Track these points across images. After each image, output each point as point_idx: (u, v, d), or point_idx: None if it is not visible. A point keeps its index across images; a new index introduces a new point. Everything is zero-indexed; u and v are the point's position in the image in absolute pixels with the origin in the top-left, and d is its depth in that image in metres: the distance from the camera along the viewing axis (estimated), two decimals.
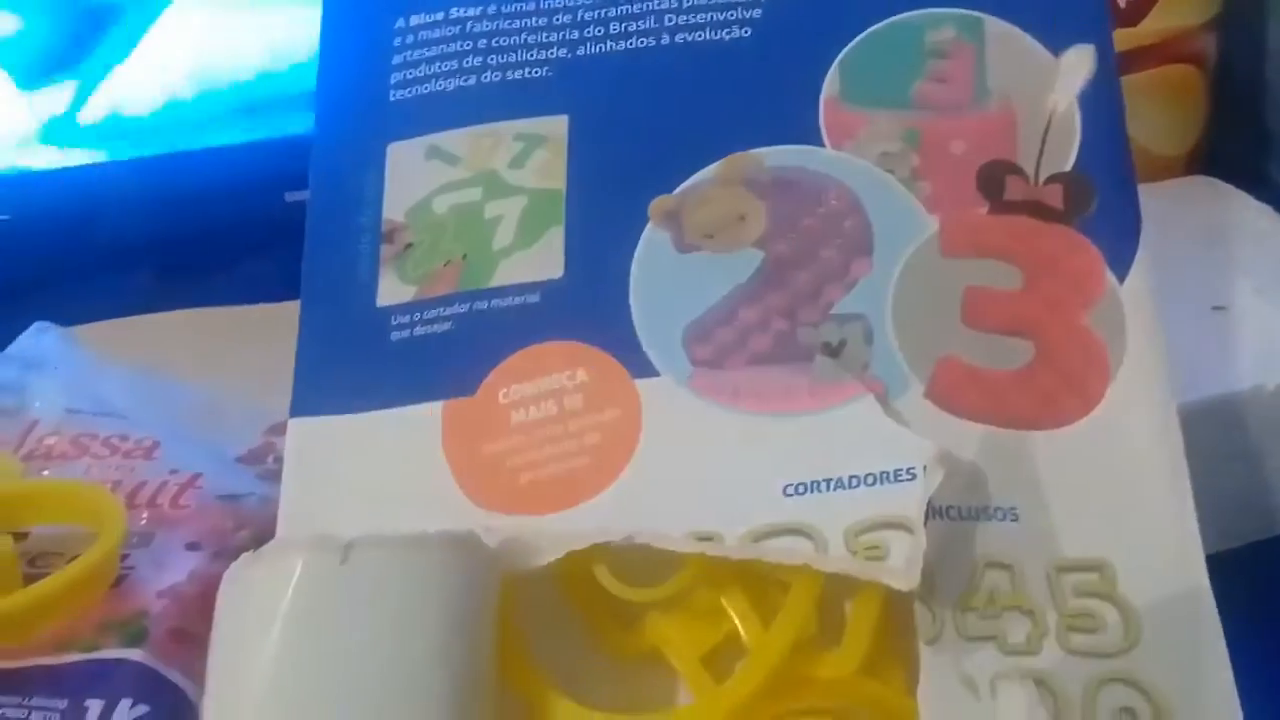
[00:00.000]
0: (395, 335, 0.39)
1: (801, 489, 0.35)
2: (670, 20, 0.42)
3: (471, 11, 0.43)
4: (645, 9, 0.42)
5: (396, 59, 0.43)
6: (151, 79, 0.61)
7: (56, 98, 0.61)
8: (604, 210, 0.40)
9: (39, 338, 0.55)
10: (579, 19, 0.43)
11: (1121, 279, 0.37)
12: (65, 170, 0.60)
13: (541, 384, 0.38)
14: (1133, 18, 0.53)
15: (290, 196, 0.59)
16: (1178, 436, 0.35)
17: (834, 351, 0.37)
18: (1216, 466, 0.38)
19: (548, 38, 0.43)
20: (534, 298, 0.39)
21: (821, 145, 0.40)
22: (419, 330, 0.39)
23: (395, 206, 0.41)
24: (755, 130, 0.40)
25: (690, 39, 0.42)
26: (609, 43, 0.42)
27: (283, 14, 0.60)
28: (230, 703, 0.31)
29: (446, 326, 0.39)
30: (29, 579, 0.40)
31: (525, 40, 0.43)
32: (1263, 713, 0.33)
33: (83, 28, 0.60)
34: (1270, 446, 0.43)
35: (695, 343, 0.38)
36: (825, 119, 0.40)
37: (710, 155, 0.40)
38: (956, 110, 0.40)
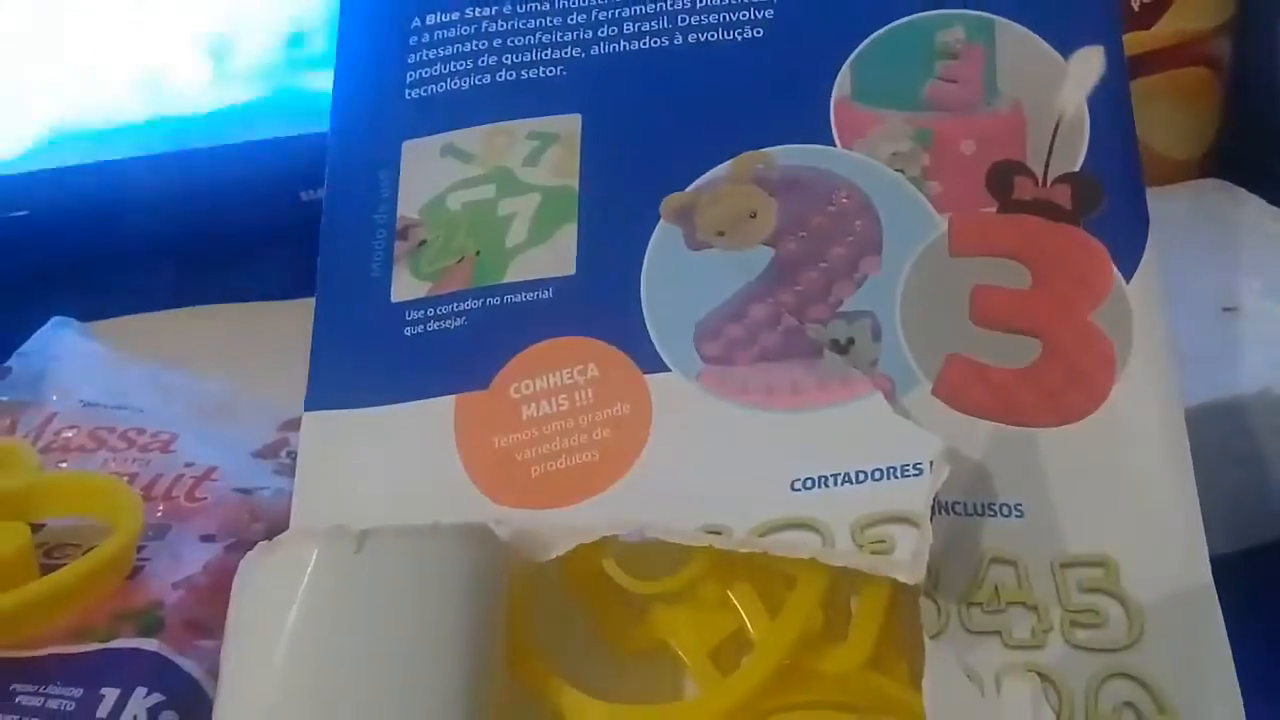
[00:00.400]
0: (409, 331, 0.40)
1: (809, 484, 0.35)
2: (683, 20, 0.42)
3: (486, 11, 0.44)
4: (658, 9, 0.43)
5: (412, 58, 0.44)
6: None
7: None
8: (616, 208, 0.40)
9: (57, 332, 0.55)
10: (593, 19, 0.43)
11: (1129, 278, 0.38)
12: (83, 167, 0.61)
13: (553, 379, 0.38)
14: (1147, 21, 0.54)
15: (305, 195, 0.60)
16: (1183, 435, 0.36)
17: (842, 349, 0.37)
18: (1221, 469, 0.38)
19: (562, 37, 0.43)
20: (546, 294, 0.39)
21: (832, 144, 0.40)
22: (432, 326, 0.40)
23: (410, 203, 0.42)
24: (767, 129, 0.41)
25: (703, 39, 0.42)
26: (622, 42, 0.43)
27: None
28: (245, 689, 0.31)
29: (460, 322, 0.40)
30: (45, 570, 0.41)
31: (539, 40, 0.43)
32: (1265, 715, 0.33)
33: None
34: (1276, 450, 0.43)
35: (705, 339, 0.38)
36: (836, 118, 0.41)
37: (722, 154, 0.41)
38: (967, 111, 0.40)
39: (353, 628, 0.32)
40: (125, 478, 0.45)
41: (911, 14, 0.41)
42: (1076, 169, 0.39)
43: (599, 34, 0.43)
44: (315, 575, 0.32)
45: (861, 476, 0.35)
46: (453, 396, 0.39)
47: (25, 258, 0.61)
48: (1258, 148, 0.57)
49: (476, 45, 0.43)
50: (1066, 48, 0.41)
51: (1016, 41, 0.41)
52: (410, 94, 0.43)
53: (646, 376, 0.38)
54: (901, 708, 0.34)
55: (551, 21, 0.43)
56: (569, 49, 0.43)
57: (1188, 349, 0.37)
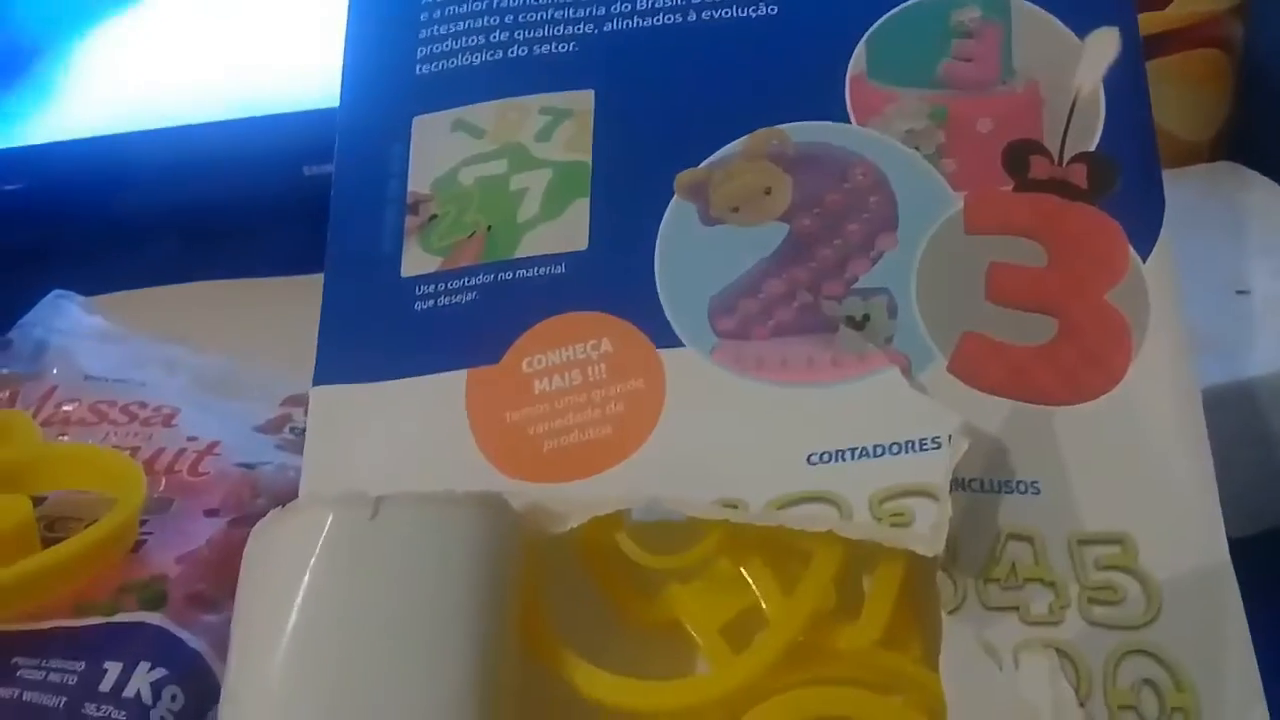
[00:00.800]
0: (419, 305, 0.39)
1: (826, 457, 0.35)
2: None
3: None
4: None
5: (423, 33, 0.43)
6: None
7: None
8: (630, 183, 0.40)
9: (58, 305, 0.55)
10: None
11: (1145, 257, 0.38)
12: (86, 141, 0.60)
13: (566, 353, 0.38)
14: (1160, 2, 0.53)
15: (309, 170, 0.59)
16: (1199, 412, 0.36)
17: (858, 325, 0.37)
18: (1236, 452, 0.38)
19: (574, 13, 0.43)
20: (559, 269, 0.39)
21: (847, 122, 0.40)
22: (443, 301, 0.39)
23: (420, 179, 0.42)
24: (781, 106, 0.40)
25: (717, 15, 0.42)
26: (636, 19, 0.42)
27: None
28: (256, 653, 0.31)
29: (471, 297, 0.39)
30: (46, 543, 0.41)
31: (552, 15, 0.43)
32: None
33: None
34: None
35: (720, 314, 0.38)
36: (851, 96, 0.40)
37: (736, 130, 0.40)
38: (982, 89, 0.40)
39: (367, 593, 0.31)
40: (127, 451, 0.45)
41: None
42: (1092, 148, 0.39)
43: (612, 9, 0.43)
44: (330, 540, 0.32)
45: (879, 450, 0.35)
46: (464, 371, 0.38)
47: (27, 232, 0.61)
48: (1270, 130, 0.56)
49: (488, 21, 0.43)
50: (1082, 27, 0.40)
51: (1032, 21, 0.41)
52: (421, 69, 0.43)
53: (660, 351, 0.38)
54: (914, 685, 0.34)
55: None
56: (581, 25, 0.43)
57: (1200, 332, 0.37)
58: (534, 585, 0.35)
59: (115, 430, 0.47)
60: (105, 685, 0.37)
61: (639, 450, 0.36)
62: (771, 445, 0.36)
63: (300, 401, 0.47)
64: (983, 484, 0.35)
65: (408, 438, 0.38)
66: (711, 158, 0.40)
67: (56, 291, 0.56)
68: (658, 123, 0.41)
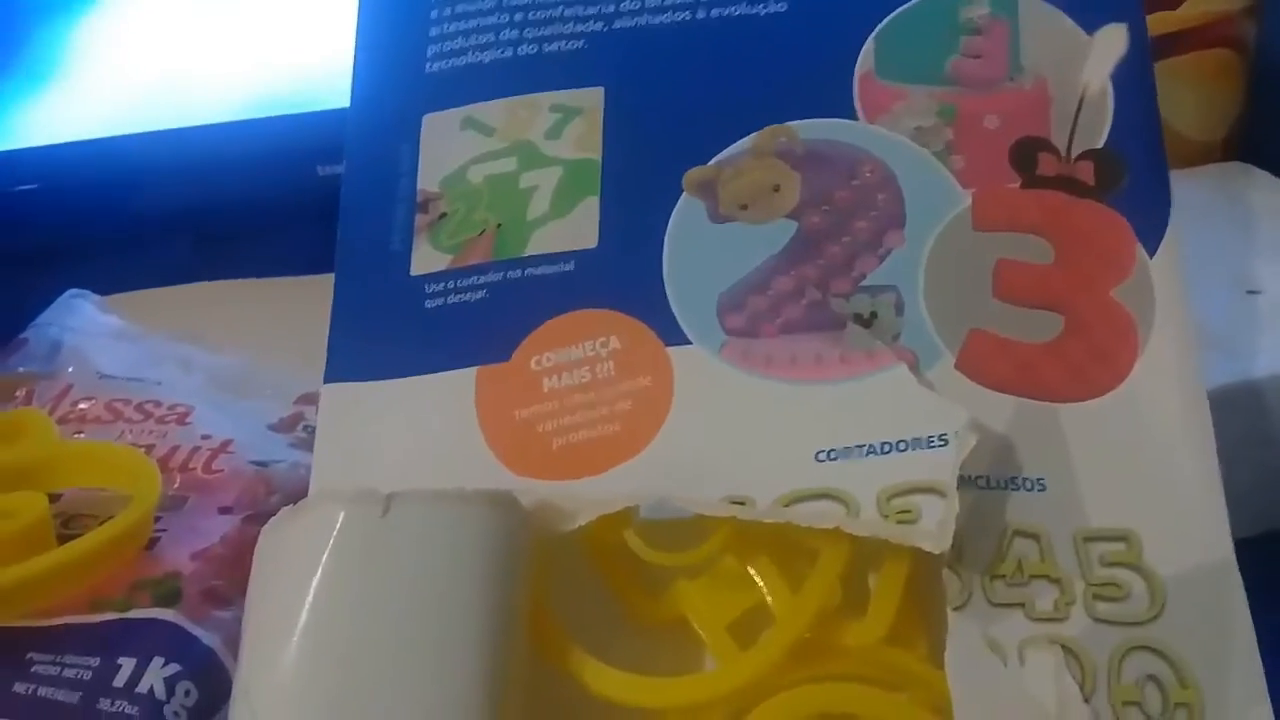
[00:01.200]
0: (429, 303, 0.40)
1: (833, 454, 0.35)
2: None
3: None
4: None
5: (433, 31, 0.44)
6: None
7: None
8: (639, 181, 0.40)
9: (73, 305, 0.55)
10: None
11: (1151, 254, 0.38)
12: (100, 141, 0.61)
13: (574, 351, 0.38)
14: (1172, 1, 0.53)
15: (323, 170, 0.60)
16: (1205, 410, 0.36)
17: (865, 322, 0.37)
18: (1242, 452, 0.38)
19: (584, 11, 0.43)
20: (568, 267, 0.39)
21: (856, 119, 0.40)
22: (453, 299, 0.40)
23: (430, 177, 0.42)
24: (790, 103, 0.41)
25: (726, 13, 0.42)
26: (645, 16, 0.43)
27: None
28: (268, 649, 0.31)
29: (481, 295, 0.40)
30: (62, 540, 0.41)
31: (561, 13, 0.43)
32: None
33: None
34: None
35: (728, 312, 0.38)
36: (860, 93, 0.40)
37: (745, 128, 0.40)
38: (990, 86, 0.40)
39: (378, 590, 0.32)
40: (142, 449, 0.45)
41: None
42: (1100, 145, 0.39)
43: (621, 7, 0.43)
44: (341, 537, 0.32)
45: (886, 447, 0.35)
46: (474, 368, 0.38)
47: (42, 232, 0.61)
48: None
49: (498, 19, 0.43)
50: (1090, 24, 0.41)
51: (1040, 17, 0.41)
52: (431, 67, 0.43)
53: (669, 349, 0.38)
54: (920, 683, 0.34)
55: None
56: (591, 22, 0.43)
57: (1209, 331, 0.37)
58: (542, 583, 0.35)
59: (130, 428, 0.47)
60: (119, 681, 0.37)
61: (647, 448, 0.36)
62: (779, 442, 0.36)
63: (313, 400, 0.47)
64: (989, 481, 0.35)
65: (417, 435, 0.38)
66: (720, 155, 0.40)
67: (72, 291, 0.56)
68: (667, 120, 0.41)
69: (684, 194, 0.40)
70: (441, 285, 0.40)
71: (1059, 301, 0.37)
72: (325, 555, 0.32)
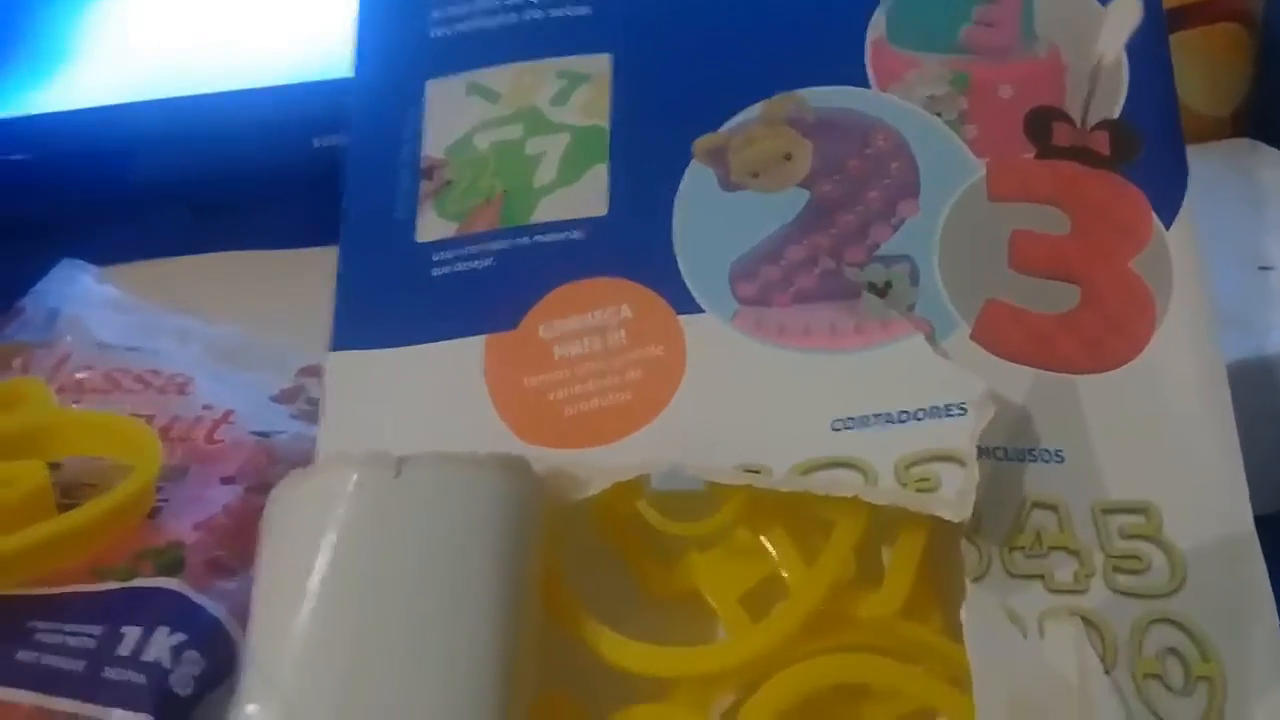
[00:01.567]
0: (436, 271, 0.39)
1: (850, 424, 0.35)
2: None
3: None
4: None
5: None
6: None
7: None
8: (648, 148, 0.40)
9: (69, 274, 0.55)
10: None
11: (1168, 225, 0.37)
12: (95, 110, 0.60)
13: (585, 319, 0.38)
14: None
15: (319, 141, 0.59)
16: (1223, 381, 0.35)
17: (880, 292, 0.37)
18: (1257, 427, 0.37)
19: None
20: (577, 234, 0.39)
21: (868, 87, 0.40)
22: (460, 266, 0.39)
23: (435, 143, 0.41)
24: (801, 71, 0.40)
25: None
26: None
27: None
28: (280, 613, 0.31)
29: (488, 262, 0.39)
30: (62, 510, 0.40)
31: None
32: None
33: None
34: None
35: (740, 280, 0.38)
36: (872, 61, 0.40)
37: (755, 95, 0.40)
38: (1004, 55, 0.40)
39: (391, 552, 0.31)
40: (142, 419, 0.45)
41: None
42: (1115, 116, 0.39)
43: None
44: (354, 499, 0.32)
45: (904, 416, 0.34)
46: (482, 336, 0.38)
47: (36, 202, 0.60)
48: None
49: None
50: None
51: None
52: (435, 33, 0.43)
53: (680, 317, 0.37)
54: (936, 655, 0.34)
55: None
56: None
57: (1221, 307, 0.37)
58: (554, 552, 0.35)
59: (129, 398, 0.47)
60: (124, 649, 0.37)
61: (659, 416, 0.36)
62: (795, 411, 0.35)
63: (315, 372, 0.46)
64: (1006, 453, 0.35)
65: (425, 403, 0.38)
66: (730, 122, 0.40)
67: (66, 260, 0.55)
68: (676, 87, 0.41)
69: (694, 161, 0.39)
70: (448, 253, 0.40)
71: (1075, 272, 0.37)
72: (338, 517, 0.31)
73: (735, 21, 0.41)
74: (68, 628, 0.37)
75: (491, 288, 0.39)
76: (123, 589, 0.39)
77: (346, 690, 0.30)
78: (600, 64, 0.41)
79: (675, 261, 0.38)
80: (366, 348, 0.39)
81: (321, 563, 0.31)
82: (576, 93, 0.41)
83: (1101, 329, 0.36)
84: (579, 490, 0.35)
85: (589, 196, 0.40)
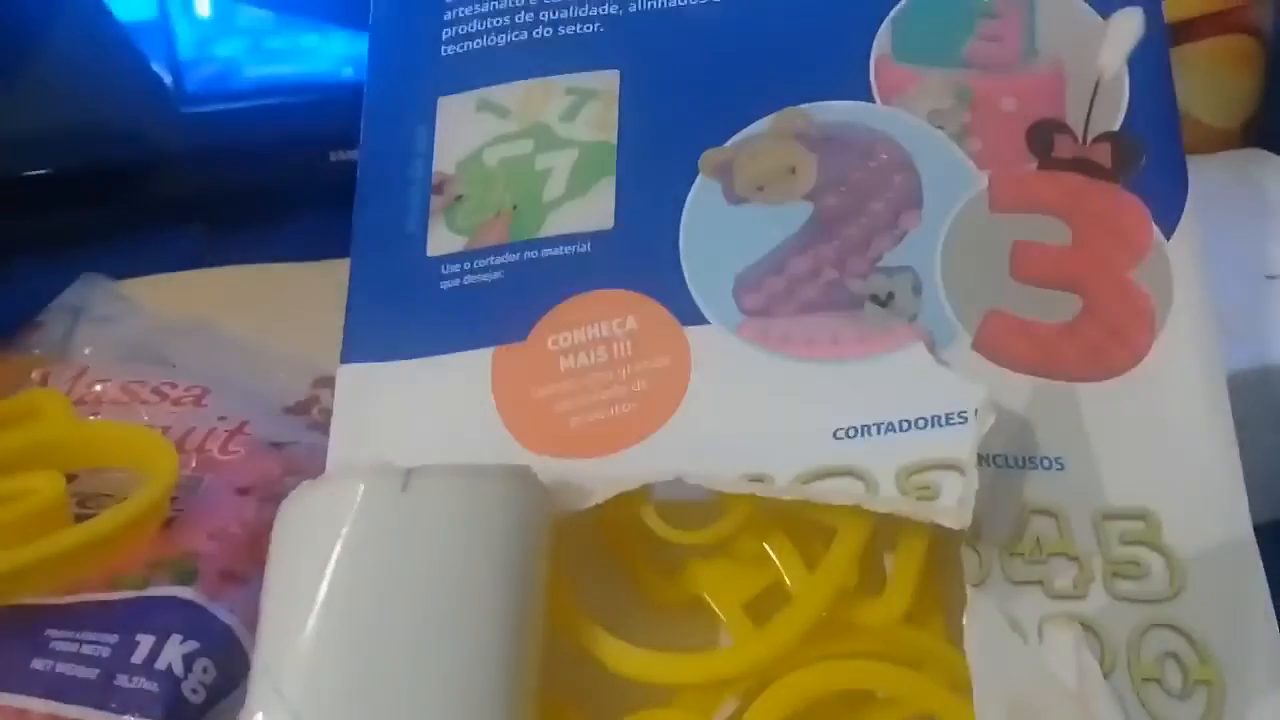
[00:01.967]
0: (445, 284, 0.40)
1: (852, 433, 0.35)
2: None
3: None
4: None
5: (448, 14, 0.44)
6: None
7: None
8: (655, 162, 0.40)
9: (87, 288, 0.55)
10: None
11: (1168, 236, 0.38)
12: (113, 124, 0.60)
13: (591, 331, 0.38)
14: None
15: (335, 156, 0.60)
16: (1223, 389, 0.36)
17: (882, 303, 0.37)
18: (1259, 436, 0.38)
19: None
20: (584, 247, 0.39)
21: (872, 102, 0.40)
22: (469, 279, 0.40)
23: (445, 159, 0.42)
24: (806, 86, 0.41)
25: None
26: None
27: None
28: (288, 623, 0.31)
29: (497, 276, 0.40)
30: (78, 520, 0.41)
31: None
32: None
33: None
34: None
35: (745, 292, 0.38)
36: (876, 76, 0.40)
37: (761, 110, 0.40)
38: (1006, 69, 0.40)
39: (399, 564, 0.32)
40: (159, 430, 0.45)
41: None
42: (1116, 128, 0.39)
43: None
44: (362, 511, 0.32)
45: (905, 425, 0.35)
46: (490, 349, 0.39)
47: (52, 216, 0.61)
48: None
49: (513, 2, 0.43)
50: (1106, 8, 0.41)
51: (1056, 1, 0.41)
52: (446, 50, 0.43)
53: (686, 329, 0.38)
54: (937, 661, 0.35)
55: None
56: (607, 5, 0.43)
57: (1227, 317, 0.37)
58: (558, 561, 0.35)
59: (146, 410, 0.47)
60: (138, 657, 0.37)
61: (664, 427, 0.37)
62: (797, 421, 0.36)
63: (329, 384, 0.47)
64: (1007, 460, 0.35)
65: (434, 415, 0.38)
66: (736, 137, 0.40)
67: (85, 275, 0.56)
68: (683, 103, 0.41)
69: (700, 175, 0.40)
70: (458, 266, 0.40)
71: (1076, 282, 0.37)
72: (345, 529, 0.32)
73: (741, 38, 0.42)
74: (82, 636, 0.38)
75: (500, 300, 0.39)
76: (137, 598, 0.39)
77: (353, 701, 0.31)
78: (609, 80, 0.42)
79: (681, 273, 0.39)
80: (377, 360, 0.39)
81: (329, 574, 0.31)
82: (585, 109, 0.42)
83: (1102, 338, 0.37)
84: (583, 500, 0.35)
85: (597, 210, 0.40)
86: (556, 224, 0.40)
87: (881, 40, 0.41)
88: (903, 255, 0.38)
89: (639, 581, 0.37)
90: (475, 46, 0.43)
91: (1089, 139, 0.39)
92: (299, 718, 0.30)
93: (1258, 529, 0.34)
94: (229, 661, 0.38)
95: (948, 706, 0.33)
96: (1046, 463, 0.35)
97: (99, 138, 0.61)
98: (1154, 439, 0.35)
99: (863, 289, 0.38)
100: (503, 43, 0.43)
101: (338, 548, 0.31)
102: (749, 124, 0.40)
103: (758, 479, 0.35)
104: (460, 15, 0.44)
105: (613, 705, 0.34)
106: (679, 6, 0.42)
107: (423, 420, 0.38)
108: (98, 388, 0.48)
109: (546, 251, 0.40)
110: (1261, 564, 0.33)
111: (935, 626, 0.35)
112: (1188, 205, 0.38)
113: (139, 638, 0.38)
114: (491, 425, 0.38)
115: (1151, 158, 0.39)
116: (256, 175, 0.61)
